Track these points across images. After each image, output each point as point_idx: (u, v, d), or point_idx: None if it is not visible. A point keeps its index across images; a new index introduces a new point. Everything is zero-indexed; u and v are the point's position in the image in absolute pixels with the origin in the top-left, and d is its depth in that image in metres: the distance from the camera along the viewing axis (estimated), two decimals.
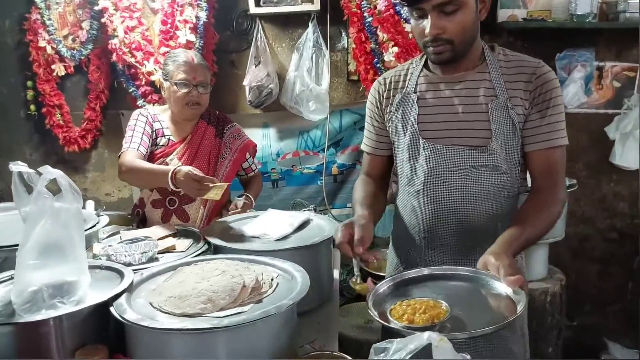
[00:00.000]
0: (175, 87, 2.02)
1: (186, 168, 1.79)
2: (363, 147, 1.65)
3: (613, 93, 2.94)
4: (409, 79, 1.50)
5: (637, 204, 3.06)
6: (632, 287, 3.15)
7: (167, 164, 2.07)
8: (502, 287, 1.13)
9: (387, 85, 1.54)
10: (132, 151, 1.99)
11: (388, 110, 1.52)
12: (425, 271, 1.26)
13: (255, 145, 2.32)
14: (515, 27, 2.82)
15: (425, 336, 0.57)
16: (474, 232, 1.40)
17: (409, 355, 0.58)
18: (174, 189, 1.82)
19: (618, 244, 3.12)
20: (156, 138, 2.10)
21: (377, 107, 1.56)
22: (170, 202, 2.09)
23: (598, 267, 3.15)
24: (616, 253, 3.13)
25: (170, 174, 1.79)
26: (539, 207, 1.34)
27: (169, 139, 2.11)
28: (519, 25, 2.80)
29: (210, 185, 1.75)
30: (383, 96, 1.54)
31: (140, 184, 2.22)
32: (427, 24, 1.30)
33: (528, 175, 1.50)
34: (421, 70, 1.50)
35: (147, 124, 2.08)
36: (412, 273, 1.26)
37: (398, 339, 0.62)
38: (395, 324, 1.03)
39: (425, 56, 1.49)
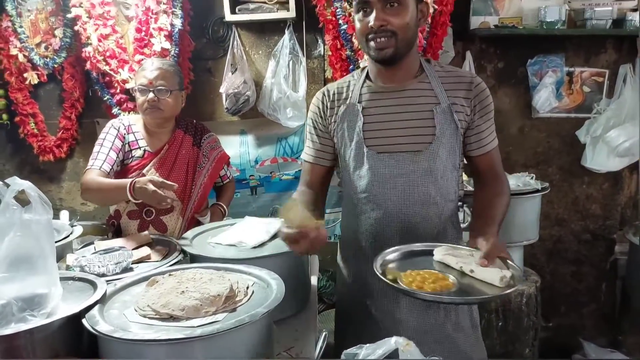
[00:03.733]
0: (137, 93, 2.03)
1: (146, 178, 1.76)
2: (304, 156, 1.67)
3: (583, 98, 3.02)
4: (352, 90, 1.56)
5: (609, 205, 3.13)
6: (606, 288, 3.22)
7: (143, 175, 2.05)
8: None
9: (331, 97, 1.59)
10: (95, 170, 1.96)
11: (332, 121, 1.57)
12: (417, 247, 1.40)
13: (229, 158, 2.33)
14: (488, 34, 2.88)
15: (393, 341, 0.59)
16: (418, 236, 1.47)
17: None
18: (134, 200, 1.80)
19: (591, 245, 3.19)
20: (130, 151, 2.07)
21: (321, 117, 1.60)
22: (147, 213, 2.04)
23: (572, 268, 3.22)
24: (589, 254, 3.20)
25: (128, 185, 1.77)
26: (493, 194, 1.48)
27: (144, 150, 2.08)
28: (491, 32, 2.86)
29: (169, 199, 1.74)
30: (327, 107, 1.59)
31: (101, 201, 2.19)
32: (372, 17, 1.39)
33: (466, 179, 1.58)
34: (364, 81, 1.56)
35: (118, 137, 2.05)
36: (404, 248, 1.40)
37: (367, 344, 0.63)
38: (406, 288, 1.16)
39: (366, 69, 1.57)
